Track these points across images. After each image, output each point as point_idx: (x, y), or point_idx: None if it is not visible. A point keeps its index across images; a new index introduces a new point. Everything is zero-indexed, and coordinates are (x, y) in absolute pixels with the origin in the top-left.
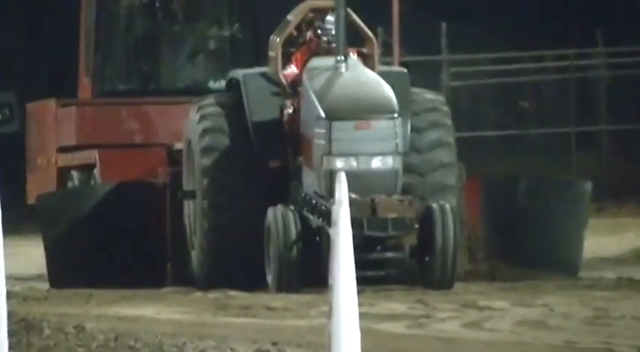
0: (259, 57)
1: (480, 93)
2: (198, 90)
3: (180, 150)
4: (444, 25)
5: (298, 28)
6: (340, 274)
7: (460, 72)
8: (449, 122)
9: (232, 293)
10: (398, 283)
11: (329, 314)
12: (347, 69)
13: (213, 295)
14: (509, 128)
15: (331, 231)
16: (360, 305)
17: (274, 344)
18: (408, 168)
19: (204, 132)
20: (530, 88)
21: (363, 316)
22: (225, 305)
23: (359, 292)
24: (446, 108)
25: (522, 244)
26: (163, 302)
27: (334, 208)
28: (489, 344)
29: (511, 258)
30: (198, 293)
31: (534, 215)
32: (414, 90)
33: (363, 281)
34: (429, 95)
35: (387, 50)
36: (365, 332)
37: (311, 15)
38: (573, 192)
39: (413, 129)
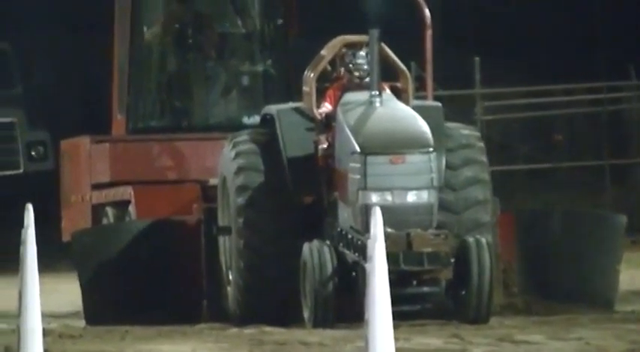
0: (292, 92)
1: (513, 126)
2: (231, 126)
3: (214, 186)
4: (477, 59)
5: (332, 63)
6: (376, 309)
7: (493, 106)
8: (484, 158)
9: (268, 329)
10: (433, 318)
11: (365, 349)
12: (381, 103)
13: (248, 331)
14: (542, 161)
15: (367, 266)
16: (396, 339)
17: None
18: (443, 206)
19: (239, 170)
20: (563, 121)
21: (398, 350)
22: (261, 341)
23: (394, 327)
24: (481, 144)
25: (557, 278)
26: (199, 339)
27: (369, 243)
28: None
29: (546, 292)
30: (234, 330)
31: (569, 249)
32: (450, 125)
33: (399, 316)
34: (465, 131)
35: (420, 84)
36: None
37: (344, 50)
38: (607, 226)
39: (448, 166)
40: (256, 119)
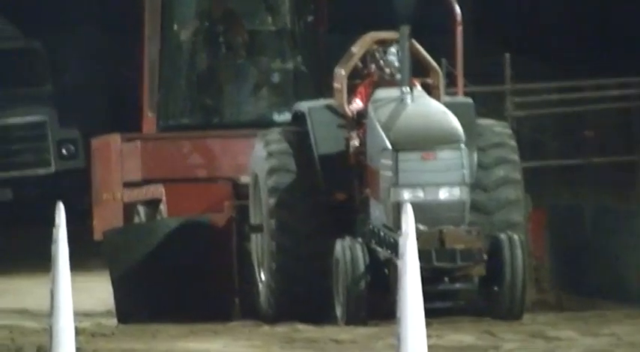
0: (322, 89)
1: (544, 122)
2: (262, 124)
3: (246, 184)
4: (507, 55)
5: (362, 59)
6: (408, 306)
7: (524, 102)
8: (516, 157)
9: (300, 326)
10: (466, 315)
11: (397, 347)
12: (412, 100)
13: (280, 329)
14: (573, 157)
15: (398, 263)
16: (428, 336)
17: None
18: (474, 207)
19: (272, 171)
20: (594, 116)
21: (431, 348)
22: (293, 339)
23: (427, 324)
24: (513, 143)
25: (589, 274)
26: (231, 336)
27: (401, 240)
28: None
29: (578, 287)
30: (266, 327)
31: (600, 244)
32: (481, 122)
33: (432, 313)
34: (497, 128)
35: (450, 81)
36: None
37: (375, 47)
38: (638, 222)
39: (480, 166)
40: (287, 116)
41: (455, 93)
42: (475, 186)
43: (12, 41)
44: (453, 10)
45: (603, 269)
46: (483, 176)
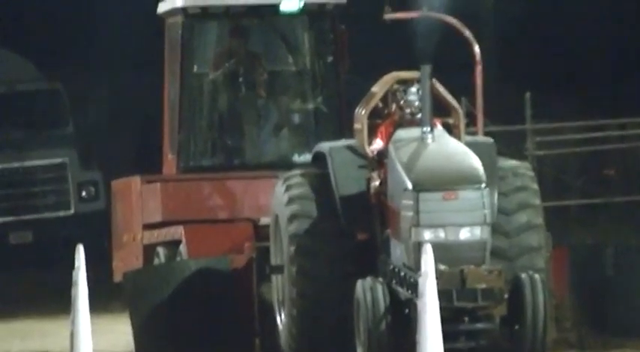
0: (343, 129)
1: (565, 161)
2: (282, 164)
3: (266, 225)
4: (528, 94)
5: (383, 99)
6: (428, 346)
7: (544, 141)
8: (538, 202)
9: None
10: None
11: None
12: (433, 139)
13: None
14: (595, 196)
15: (418, 303)
16: None
17: None
18: (496, 253)
19: (291, 200)
20: (615, 155)
21: None
22: None
23: None
24: (535, 187)
25: (610, 313)
26: None
27: (420, 280)
28: None
29: (599, 326)
30: None
31: (622, 283)
32: (503, 164)
33: None
34: (519, 170)
35: (471, 120)
36: None
37: (396, 86)
38: None
39: (501, 211)
40: (307, 157)
41: (475, 133)
42: (497, 231)
43: (33, 82)
44: (472, 49)
45: (625, 308)
46: (505, 222)
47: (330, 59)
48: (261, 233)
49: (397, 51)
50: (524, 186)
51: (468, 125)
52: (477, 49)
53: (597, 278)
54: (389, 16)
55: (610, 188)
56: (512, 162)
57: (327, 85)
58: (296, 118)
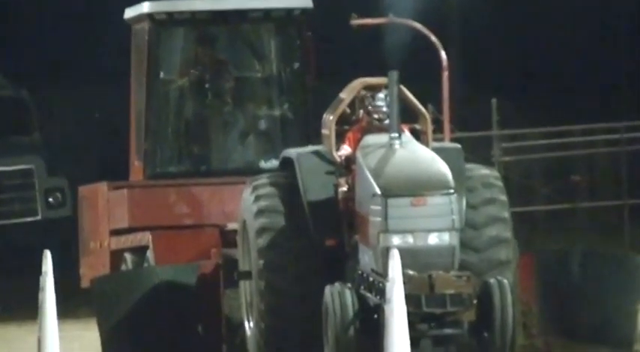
0: (310, 136)
1: (532, 167)
2: (249, 171)
3: (233, 231)
4: (494, 100)
5: (351, 105)
6: (395, 350)
7: (511, 147)
8: (504, 197)
9: None
10: None
11: None
12: (401, 145)
13: None
14: (562, 202)
15: (385, 308)
16: None
17: None
18: (464, 244)
19: (260, 212)
20: (582, 161)
21: None
22: None
23: None
24: (500, 184)
25: (577, 319)
26: None
27: (388, 285)
28: None
29: (566, 332)
30: None
31: (589, 289)
32: (469, 166)
33: None
34: (484, 170)
35: (437, 126)
36: None
37: (363, 92)
38: (627, 266)
39: (469, 205)
40: (274, 163)
41: (442, 139)
42: (466, 245)
43: (0, 90)
44: (439, 55)
45: (592, 314)
46: (473, 215)
47: (296, 65)
48: (228, 239)
49: (363, 56)
50: (493, 198)
51: (434, 131)
52: (443, 54)
53: (564, 283)
54: (356, 21)
55: (576, 194)
56: (482, 172)
57: (294, 91)
58: (262, 125)
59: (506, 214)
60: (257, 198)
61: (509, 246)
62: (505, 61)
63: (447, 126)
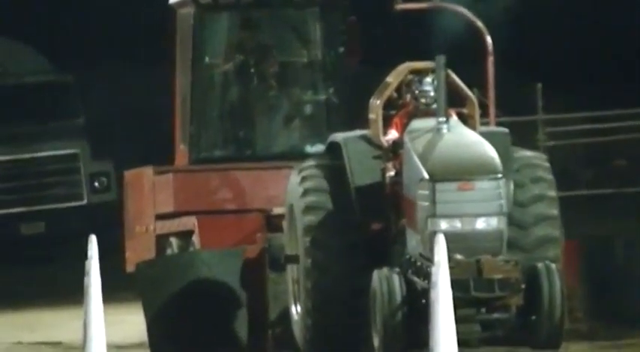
0: (354, 120)
1: (575, 152)
2: (294, 155)
3: (278, 216)
4: (539, 85)
5: (398, 90)
6: (440, 335)
7: (556, 132)
8: (553, 193)
9: None
10: (504, 344)
11: None
12: (448, 130)
13: None
14: (604, 187)
15: (431, 293)
16: None
17: None
18: (511, 244)
19: (306, 192)
20: (626, 146)
21: None
22: None
23: None
24: (550, 177)
25: (621, 303)
26: None
27: (433, 270)
28: None
29: (610, 317)
30: None
31: (632, 274)
32: (518, 154)
33: (469, 343)
34: (534, 161)
35: (482, 111)
36: None
37: (410, 77)
38: None
39: (517, 203)
40: (319, 147)
41: (487, 123)
42: (512, 223)
43: (45, 75)
44: (484, 40)
45: (635, 299)
46: (521, 213)
47: (341, 50)
48: (273, 223)
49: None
50: (539, 177)
51: (480, 116)
52: (488, 39)
53: (608, 269)
54: (400, 6)
55: (620, 179)
56: (528, 153)
57: (338, 76)
58: (307, 109)
59: (552, 193)
60: (303, 179)
61: (555, 223)
62: (550, 45)
63: (492, 110)
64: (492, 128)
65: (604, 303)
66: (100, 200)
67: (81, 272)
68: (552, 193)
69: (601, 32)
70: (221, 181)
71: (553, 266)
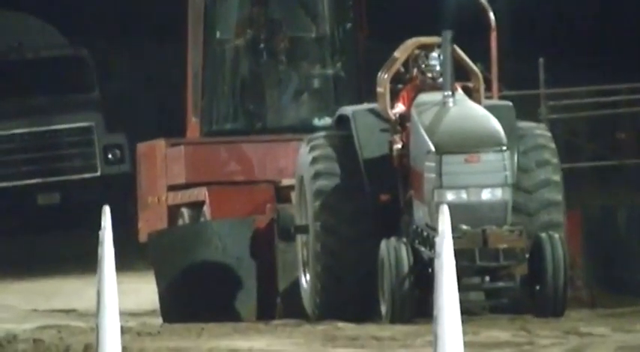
0: (362, 94)
1: (578, 125)
2: (303, 128)
3: (287, 187)
4: (541, 60)
5: (405, 64)
6: (444, 304)
7: (558, 105)
8: (556, 160)
9: (340, 324)
10: (507, 312)
11: (434, 344)
12: (455, 103)
13: (322, 327)
14: (606, 159)
15: (435, 262)
16: (465, 333)
17: None
18: (516, 208)
19: (315, 160)
20: (627, 119)
21: (467, 344)
22: (334, 337)
23: (464, 321)
24: (553, 146)
25: (622, 272)
26: (274, 335)
27: (438, 240)
28: None
29: (611, 285)
30: (308, 326)
31: (633, 244)
32: (522, 125)
33: (475, 311)
34: (537, 131)
35: (486, 85)
36: None
37: (417, 52)
38: None
39: (521, 169)
40: (327, 121)
41: (491, 97)
42: (517, 188)
43: (60, 49)
44: (487, 17)
45: (636, 267)
46: (525, 178)
47: (349, 25)
48: (282, 194)
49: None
50: (542, 144)
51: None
52: (491, 15)
53: (609, 239)
54: None
55: (621, 151)
56: (530, 124)
57: (346, 50)
58: (316, 83)
59: (555, 159)
60: (312, 149)
61: (558, 188)
62: (552, 19)
63: (495, 84)
64: (497, 101)
65: (605, 272)
66: (114, 171)
67: (95, 242)
68: (555, 160)
69: (602, 6)
70: (231, 153)
71: (557, 236)
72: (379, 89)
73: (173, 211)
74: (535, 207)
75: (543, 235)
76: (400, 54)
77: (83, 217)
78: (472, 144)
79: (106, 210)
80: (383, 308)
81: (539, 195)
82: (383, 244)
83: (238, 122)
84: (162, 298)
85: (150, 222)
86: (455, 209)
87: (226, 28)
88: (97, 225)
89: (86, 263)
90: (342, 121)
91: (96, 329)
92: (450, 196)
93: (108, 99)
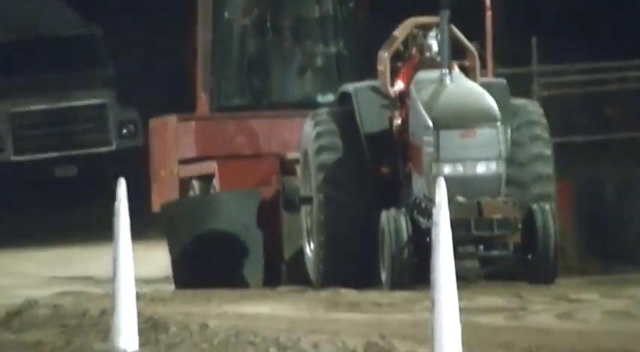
0: (363, 72)
1: (570, 101)
2: (307, 104)
3: (292, 160)
4: (534, 38)
5: (404, 43)
6: (441, 271)
7: (550, 82)
8: (547, 135)
9: (342, 291)
10: (501, 279)
11: (431, 309)
12: (451, 81)
13: (324, 293)
14: (597, 133)
15: (432, 231)
16: (460, 299)
17: (382, 337)
18: (510, 180)
19: (319, 135)
20: (616, 96)
21: (463, 310)
22: (336, 303)
23: (460, 288)
24: (544, 121)
25: (610, 241)
26: (279, 301)
27: (435, 211)
28: (581, 333)
29: (599, 254)
30: (311, 292)
31: (621, 214)
32: (515, 101)
33: (470, 278)
34: (530, 107)
35: (481, 63)
36: (465, 325)
37: (416, 31)
38: None
39: (514, 143)
40: (330, 97)
41: (486, 75)
42: (510, 161)
43: (74, 27)
44: None
45: (623, 237)
46: (518, 152)
47: (351, 4)
48: (287, 167)
49: None
50: (534, 120)
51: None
52: None
53: (598, 209)
54: None
55: (611, 126)
56: (523, 101)
57: (348, 30)
58: (319, 61)
59: (546, 134)
60: (316, 124)
61: (550, 162)
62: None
63: (490, 62)
64: (491, 79)
65: (594, 241)
66: (128, 145)
67: (110, 212)
68: (546, 135)
69: None
70: (239, 128)
71: (548, 207)
72: (380, 67)
73: (184, 183)
74: (527, 180)
75: (535, 206)
76: (400, 33)
77: (99, 189)
78: (468, 120)
79: (122, 182)
80: (383, 276)
81: (531, 168)
82: (383, 215)
83: (245, 98)
84: (175, 265)
85: (162, 194)
86: (451, 181)
87: (234, 8)
88: (113, 196)
89: (102, 232)
90: (345, 98)
91: (112, 295)
92: (446, 169)
93: (121, 76)
